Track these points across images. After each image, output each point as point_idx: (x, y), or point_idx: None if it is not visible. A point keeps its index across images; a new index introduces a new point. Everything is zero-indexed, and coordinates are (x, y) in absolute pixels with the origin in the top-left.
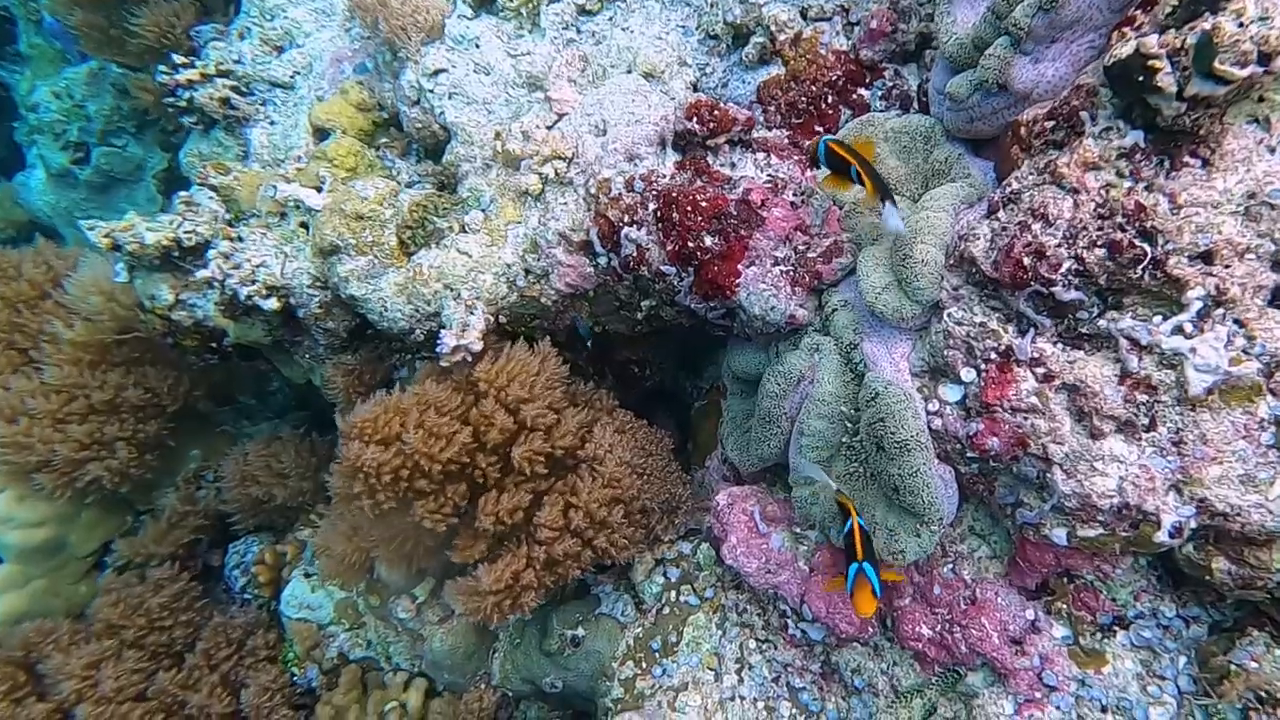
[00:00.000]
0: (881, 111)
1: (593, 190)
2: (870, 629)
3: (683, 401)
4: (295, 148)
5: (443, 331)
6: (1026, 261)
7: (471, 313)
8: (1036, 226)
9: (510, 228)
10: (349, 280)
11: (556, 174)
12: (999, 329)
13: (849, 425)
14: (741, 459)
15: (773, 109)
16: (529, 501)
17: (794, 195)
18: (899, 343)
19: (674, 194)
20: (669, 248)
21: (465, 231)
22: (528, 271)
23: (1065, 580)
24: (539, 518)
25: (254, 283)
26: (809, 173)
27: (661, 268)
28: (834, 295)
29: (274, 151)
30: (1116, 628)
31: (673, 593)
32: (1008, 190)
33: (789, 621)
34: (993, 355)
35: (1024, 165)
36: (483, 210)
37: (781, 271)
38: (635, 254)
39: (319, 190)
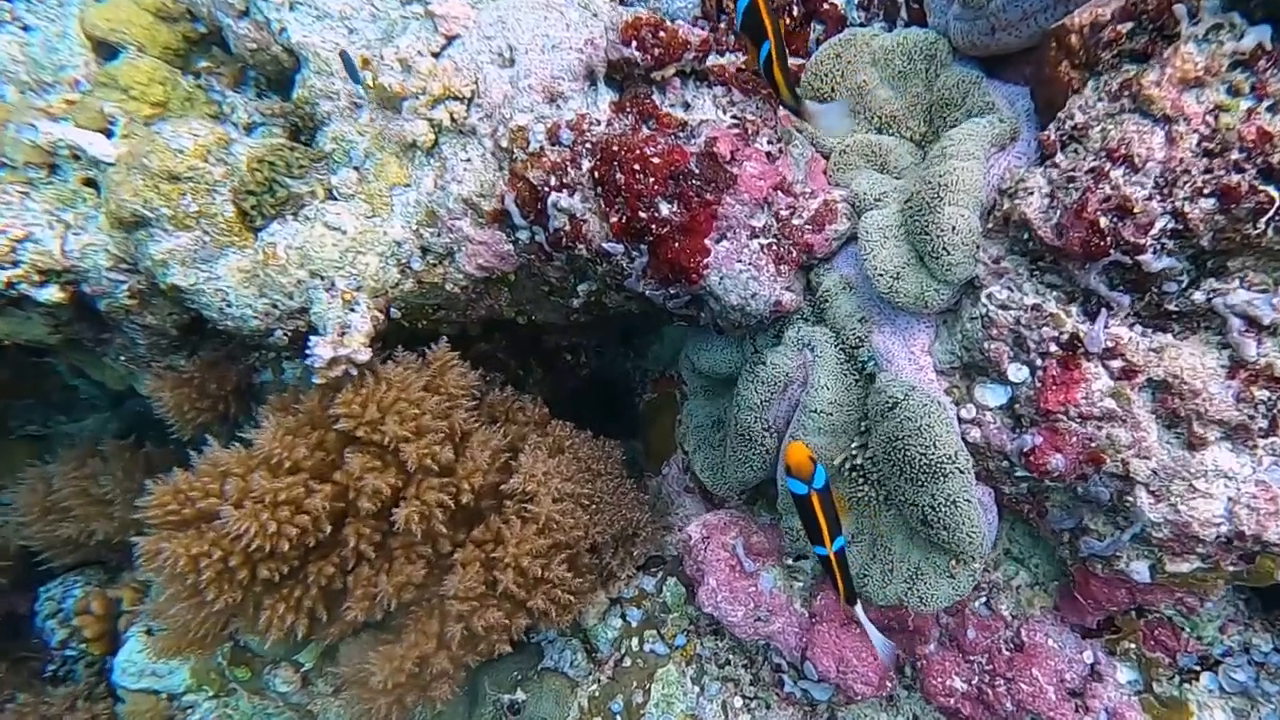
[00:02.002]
0: (862, 26)
1: (504, 143)
2: (890, 683)
3: (624, 388)
4: (67, 68)
5: (314, 338)
6: (1104, 222)
7: (352, 309)
8: (1117, 173)
9: (396, 192)
10: (169, 265)
11: (453, 120)
12: (1059, 313)
13: (853, 440)
14: (714, 482)
15: (724, 26)
16: (423, 574)
17: (769, 143)
18: (918, 332)
19: (615, 147)
20: (613, 220)
21: (334, 198)
22: (425, 250)
23: (1134, 615)
24: (449, 585)
25: (16, 264)
26: (782, 111)
27: (604, 245)
28: (828, 273)
29: (34, 71)
30: (1200, 669)
31: (634, 640)
32: (1068, 125)
33: (784, 677)
34: (1052, 347)
35: (1086, 89)
36: (356, 168)
37: (762, 246)
38: (568, 227)
39: (109, 134)
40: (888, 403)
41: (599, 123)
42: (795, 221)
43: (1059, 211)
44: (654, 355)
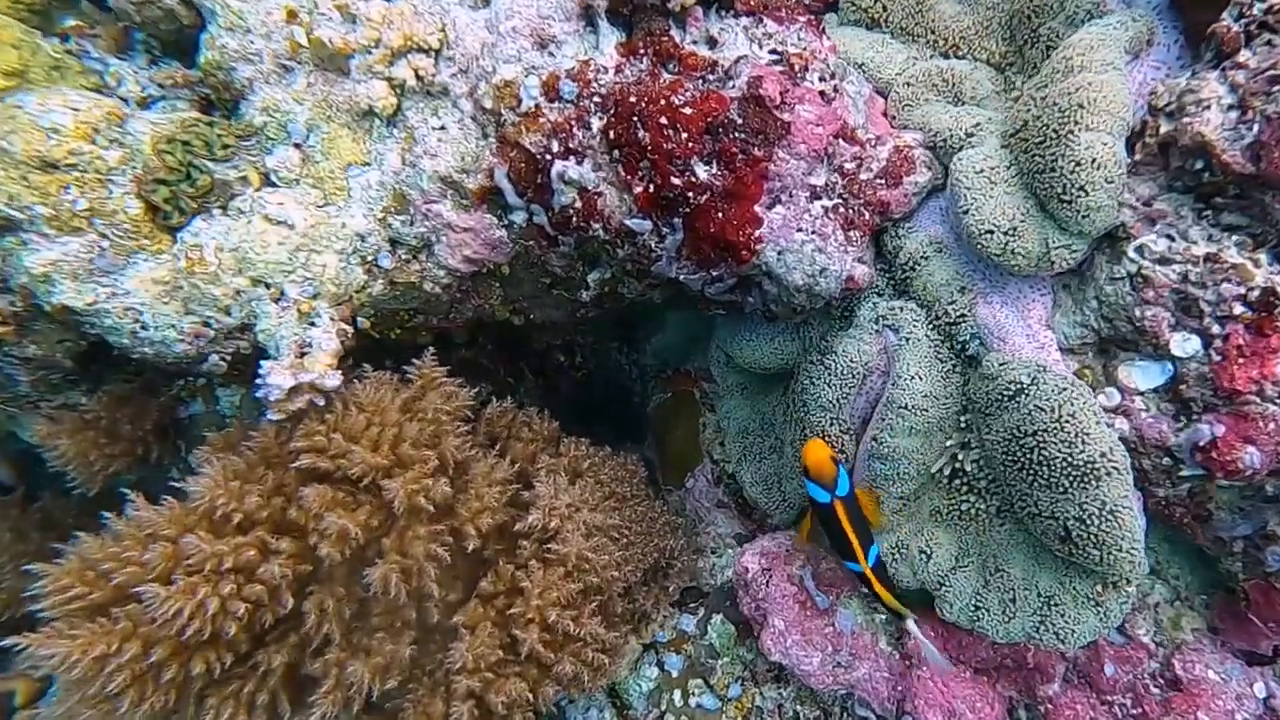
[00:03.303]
0: None
1: (487, 103)
2: None
3: (620, 387)
4: None
5: (265, 363)
6: None
7: (311, 322)
8: None
9: (353, 173)
10: (54, 280)
11: (420, 77)
12: (1245, 263)
13: (948, 438)
14: (770, 499)
15: None
16: (410, 649)
17: (821, 80)
18: (1033, 301)
19: (633, 99)
20: (638, 190)
21: (273, 184)
22: (395, 244)
23: None
24: (455, 654)
25: None
26: (826, 39)
27: (627, 222)
28: (909, 235)
29: None
30: None
31: (675, 692)
32: (1256, 9)
33: None
34: (1236, 308)
35: None
36: (298, 145)
37: (825, 209)
38: (578, 204)
39: None
40: (1006, 390)
41: (606, 70)
42: (864, 176)
43: (1255, 127)
44: (655, 349)
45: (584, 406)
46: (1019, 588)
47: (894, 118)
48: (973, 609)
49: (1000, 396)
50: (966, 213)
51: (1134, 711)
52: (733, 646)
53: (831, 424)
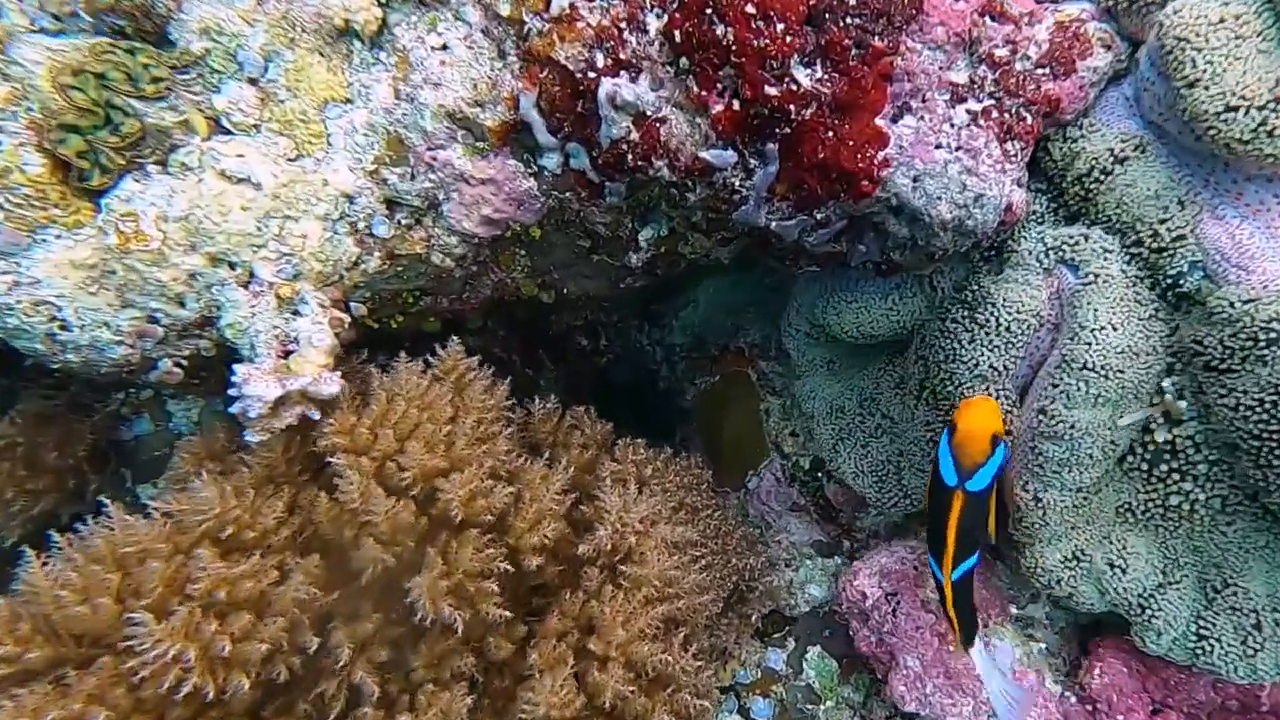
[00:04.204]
0: None
1: (504, 8)
2: None
3: (642, 370)
4: None
5: (239, 369)
6: None
7: (295, 311)
8: None
9: (331, 114)
10: None
11: None
12: None
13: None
14: (883, 495)
15: None
16: (467, 705)
17: None
18: (1274, 208)
19: None
20: (717, 109)
21: (226, 131)
22: (393, 205)
23: None
24: (531, 705)
25: None
26: None
27: (702, 155)
28: (1089, 137)
29: None
30: None
31: None
32: None
33: None
34: None
35: None
36: (254, 80)
37: (973, 114)
38: (634, 135)
39: None
40: (1261, 335)
41: None
42: (1020, 66)
43: None
44: (686, 324)
45: (604, 396)
46: (1264, 608)
47: None
48: (1194, 639)
49: (1249, 345)
50: (1195, 85)
51: None
52: (836, 687)
53: (997, 395)
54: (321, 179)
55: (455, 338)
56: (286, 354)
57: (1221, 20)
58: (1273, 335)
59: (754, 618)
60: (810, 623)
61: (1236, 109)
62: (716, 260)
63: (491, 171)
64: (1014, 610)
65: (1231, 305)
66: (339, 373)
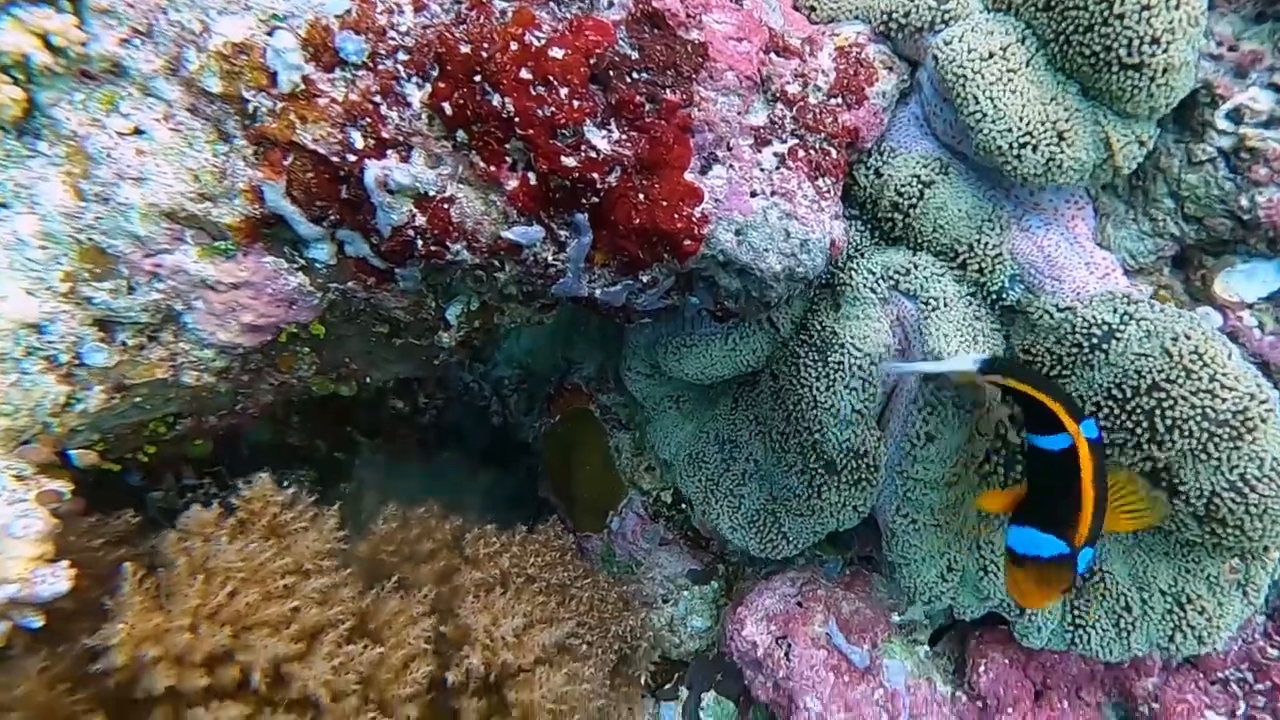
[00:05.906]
0: None
1: (212, 85)
2: None
3: (472, 409)
4: None
5: None
6: None
7: None
8: None
9: None
10: None
11: (53, 48)
12: None
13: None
14: (765, 545)
15: None
16: None
17: None
18: (1072, 214)
19: (465, 48)
20: (511, 185)
21: None
22: (107, 326)
23: None
24: None
25: None
26: None
27: (504, 234)
28: (893, 163)
29: None
30: None
31: None
32: None
33: None
34: None
35: None
36: None
37: (780, 155)
38: (420, 220)
39: None
40: (1089, 339)
41: (400, 9)
42: (814, 99)
43: None
44: (510, 356)
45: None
46: (1129, 592)
47: (811, 8)
48: (1070, 628)
49: (1075, 351)
50: (982, 120)
51: (1259, 685)
52: None
53: (864, 440)
54: None
55: (263, 475)
56: None
57: (991, 55)
58: (1094, 340)
59: (643, 678)
60: (700, 667)
61: (1027, 144)
62: (540, 323)
63: (244, 274)
64: (896, 619)
65: (1050, 315)
66: (65, 562)
